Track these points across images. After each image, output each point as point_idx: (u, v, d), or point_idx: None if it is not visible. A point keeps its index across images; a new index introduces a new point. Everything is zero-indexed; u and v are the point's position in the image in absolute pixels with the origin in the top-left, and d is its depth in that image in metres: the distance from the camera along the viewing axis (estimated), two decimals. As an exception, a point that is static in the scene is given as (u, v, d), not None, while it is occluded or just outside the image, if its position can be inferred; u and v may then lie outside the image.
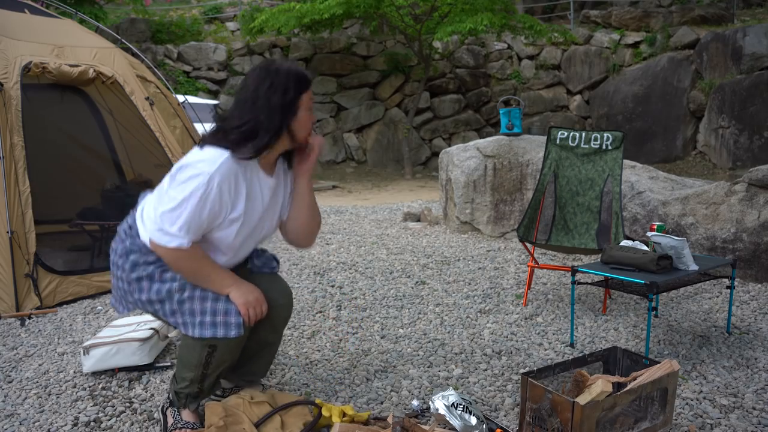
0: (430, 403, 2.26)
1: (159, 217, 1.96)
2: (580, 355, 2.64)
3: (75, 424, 2.31)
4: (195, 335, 2.02)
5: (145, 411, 2.40)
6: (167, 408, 2.24)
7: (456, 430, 2.15)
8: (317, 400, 2.24)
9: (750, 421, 2.28)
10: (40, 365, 2.87)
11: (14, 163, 3.71)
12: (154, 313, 2.12)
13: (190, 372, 2.11)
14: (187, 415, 2.18)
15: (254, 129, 1.98)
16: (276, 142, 2.03)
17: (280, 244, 5.34)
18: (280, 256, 4.87)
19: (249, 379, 2.42)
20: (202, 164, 1.94)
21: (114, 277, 2.19)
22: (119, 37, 5.58)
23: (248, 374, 2.41)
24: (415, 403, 2.38)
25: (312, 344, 3.07)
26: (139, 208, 2.17)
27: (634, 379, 2.09)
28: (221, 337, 2.02)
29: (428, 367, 2.79)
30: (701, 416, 2.31)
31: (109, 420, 2.34)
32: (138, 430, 2.27)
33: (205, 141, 2.01)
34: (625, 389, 2.01)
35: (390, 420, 2.14)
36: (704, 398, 2.45)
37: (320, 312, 3.55)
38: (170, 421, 2.19)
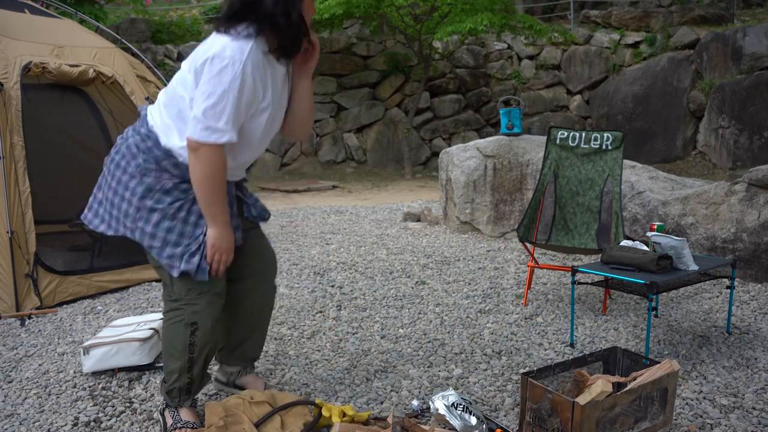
0: (430, 403, 2.26)
1: (202, 114, 1.89)
2: (580, 355, 2.64)
3: (75, 424, 2.31)
4: (174, 275, 2.02)
5: (145, 411, 2.40)
6: (165, 409, 2.24)
7: (456, 430, 2.15)
8: (317, 400, 2.24)
9: (750, 421, 2.28)
10: (40, 365, 2.87)
11: (14, 163, 3.71)
12: (148, 247, 2.06)
13: (178, 360, 2.12)
14: (185, 414, 2.18)
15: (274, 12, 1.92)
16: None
17: (280, 244, 5.34)
18: (279, 256, 4.87)
19: (249, 357, 2.45)
20: (231, 52, 1.89)
21: (111, 192, 2.09)
22: (119, 37, 5.58)
23: (244, 354, 2.44)
24: (415, 403, 2.38)
25: (312, 344, 3.07)
26: (149, 118, 2.10)
27: (634, 379, 2.09)
28: (193, 271, 2.01)
29: (428, 367, 2.79)
30: (701, 416, 2.31)
31: (109, 420, 2.34)
32: (138, 430, 2.27)
33: (226, 31, 1.94)
34: (625, 389, 2.00)
35: (390, 420, 2.14)
36: (704, 398, 2.45)
37: (320, 312, 3.55)
38: (169, 421, 2.19)
